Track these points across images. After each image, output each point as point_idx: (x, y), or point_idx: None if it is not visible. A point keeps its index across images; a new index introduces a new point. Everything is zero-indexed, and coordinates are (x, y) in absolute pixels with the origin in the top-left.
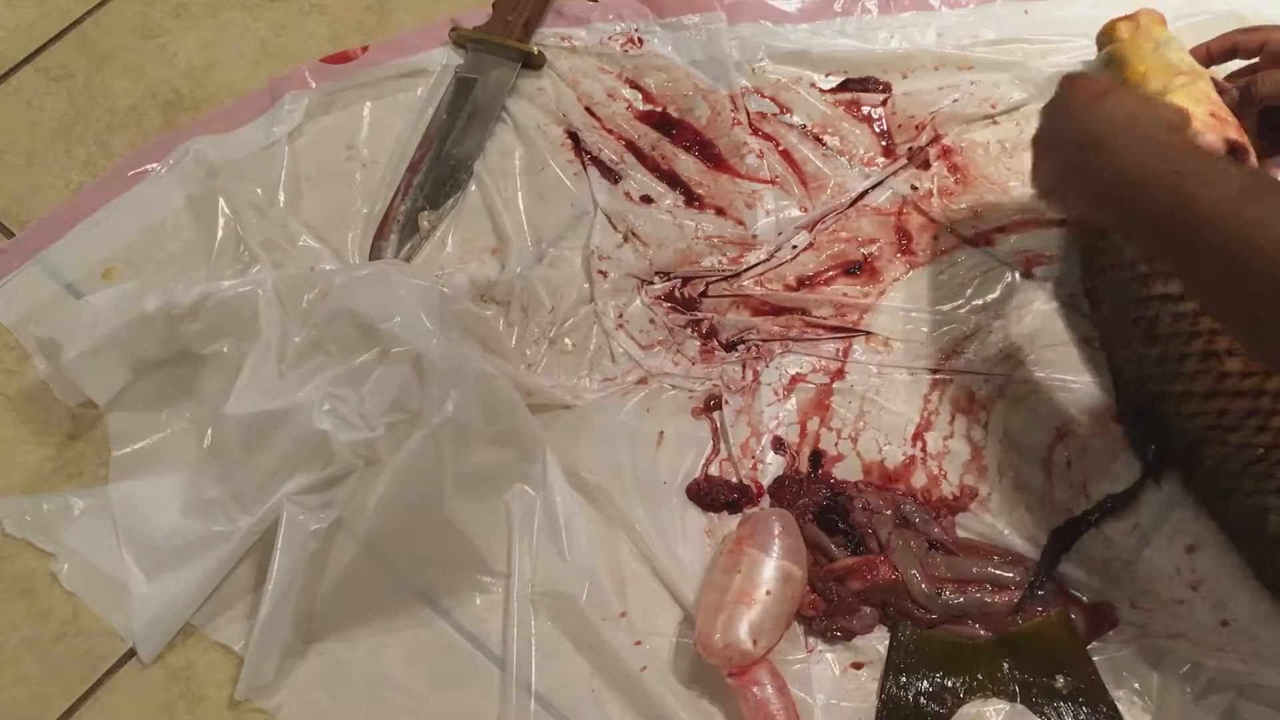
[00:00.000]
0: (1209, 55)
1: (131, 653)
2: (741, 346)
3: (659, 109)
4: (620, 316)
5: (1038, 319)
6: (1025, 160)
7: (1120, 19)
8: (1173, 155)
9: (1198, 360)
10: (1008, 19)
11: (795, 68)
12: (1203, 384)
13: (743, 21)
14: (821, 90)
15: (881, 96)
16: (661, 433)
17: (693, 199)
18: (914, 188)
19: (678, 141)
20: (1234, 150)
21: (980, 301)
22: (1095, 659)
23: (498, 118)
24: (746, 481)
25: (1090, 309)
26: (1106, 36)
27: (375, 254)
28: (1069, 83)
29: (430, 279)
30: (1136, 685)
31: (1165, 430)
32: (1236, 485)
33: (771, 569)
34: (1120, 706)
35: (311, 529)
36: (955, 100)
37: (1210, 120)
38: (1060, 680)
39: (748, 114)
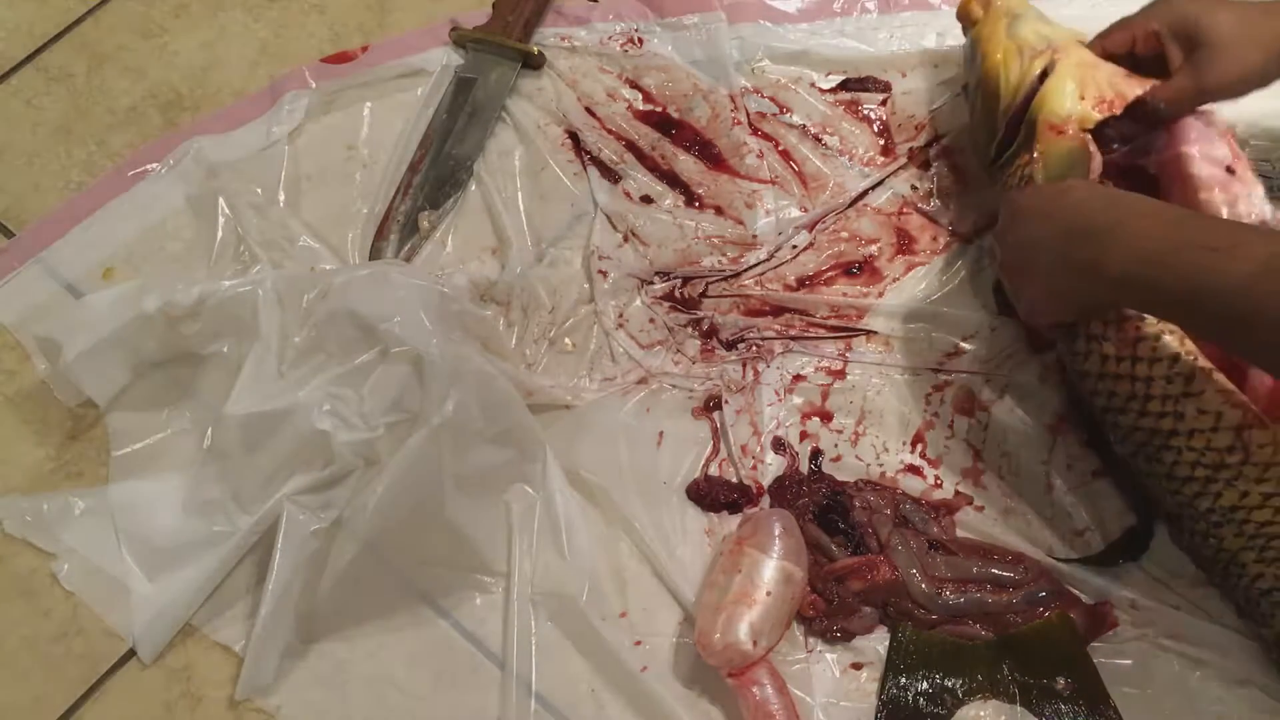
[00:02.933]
0: (1107, 55)
1: (131, 653)
2: (742, 345)
3: (659, 109)
4: (620, 316)
5: None
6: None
7: None
8: (1188, 227)
9: (1085, 341)
10: None
11: (795, 68)
12: (1093, 365)
13: (743, 21)
14: (821, 90)
15: (881, 96)
16: (661, 433)
17: (693, 199)
18: (914, 188)
19: (678, 141)
20: (1141, 100)
21: (980, 301)
22: (1096, 660)
23: (498, 118)
24: (746, 481)
25: None
26: (965, 19)
27: (375, 254)
28: (1013, 200)
29: (430, 279)
30: (1137, 686)
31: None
32: (1134, 465)
33: (772, 569)
34: (1120, 707)
35: (311, 529)
36: (955, 99)
37: (1100, 97)
38: (1060, 682)
39: (748, 114)
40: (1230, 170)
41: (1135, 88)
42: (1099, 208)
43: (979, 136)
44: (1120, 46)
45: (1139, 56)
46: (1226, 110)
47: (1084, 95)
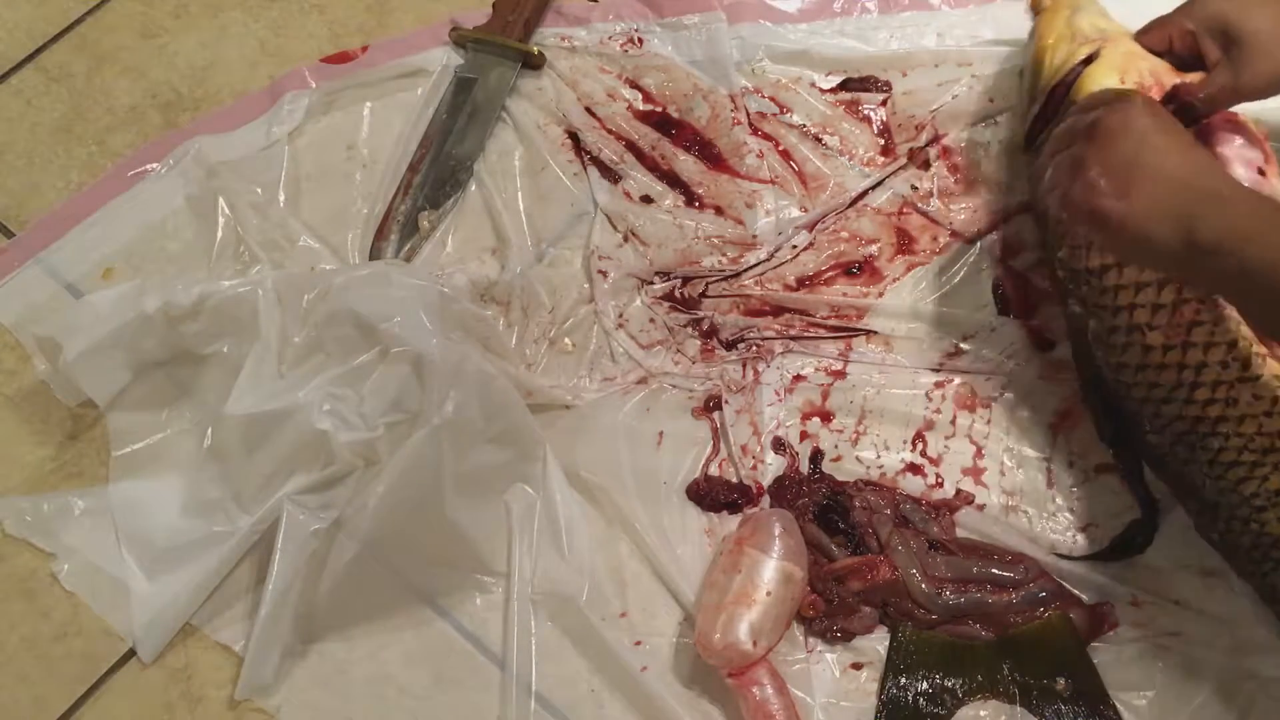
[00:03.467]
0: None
1: (131, 653)
2: (741, 345)
3: (659, 109)
4: (620, 316)
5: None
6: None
7: None
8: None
9: (1124, 334)
10: (1008, 19)
11: (795, 68)
12: (1132, 356)
13: (743, 21)
14: (821, 90)
15: (881, 96)
16: (661, 433)
17: (693, 199)
18: (914, 188)
19: (678, 141)
20: (1178, 94)
21: (980, 301)
22: (1096, 660)
23: (498, 118)
24: (746, 481)
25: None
26: (1034, 7)
27: (375, 254)
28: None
29: (430, 279)
30: (1137, 686)
31: (1116, 404)
32: (1172, 454)
33: (772, 570)
34: (1121, 708)
35: (311, 529)
36: (955, 99)
37: (1141, 84)
38: (1060, 682)
39: (748, 114)
40: (1262, 172)
41: (1175, 81)
42: (1199, 168)
43: (1023, 114)
44: (1158, 44)
45: (1179, 55)
46: (1253, 109)
47: (1124, 80)
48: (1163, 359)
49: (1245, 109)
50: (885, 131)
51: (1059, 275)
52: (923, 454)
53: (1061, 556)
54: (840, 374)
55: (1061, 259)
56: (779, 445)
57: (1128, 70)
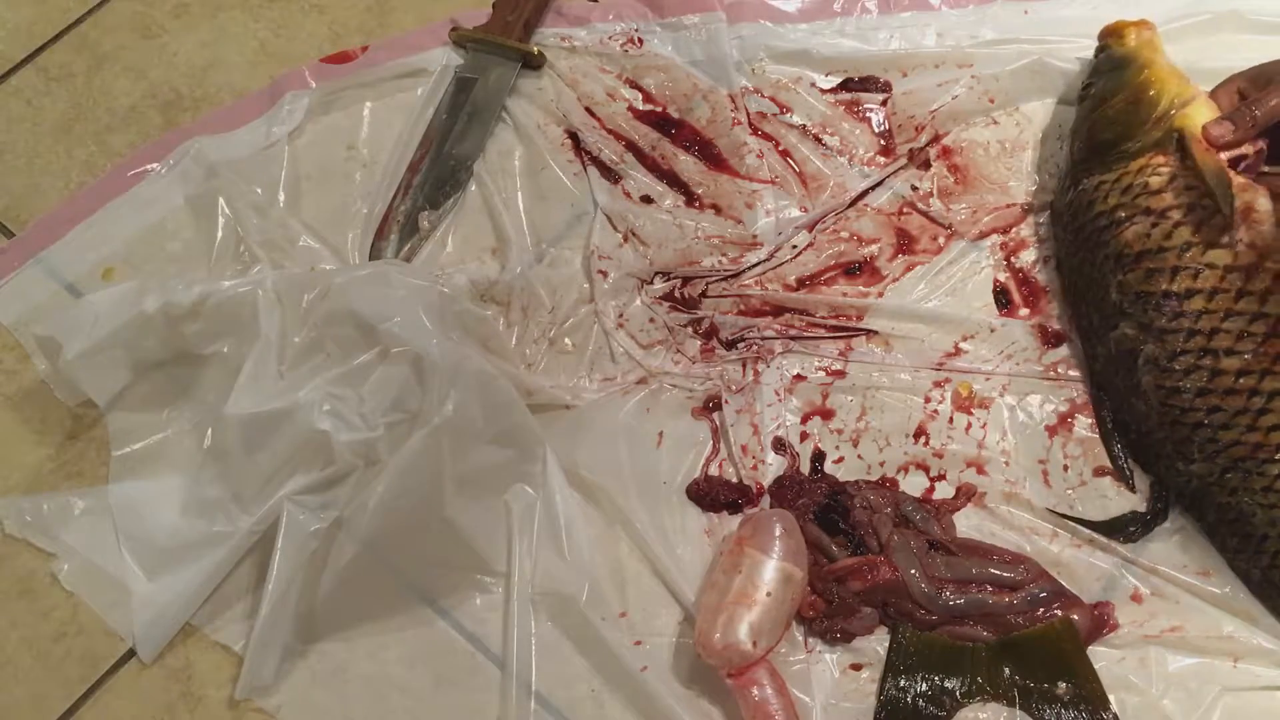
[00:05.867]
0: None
1: (131, 653)
2: (741, 345)
3: (659, 109)
4: (620, 316)
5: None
6: (1026, 160)
7: (1129, 23)
8: None
9: (1195, 356)
10: (1008, 19)
11: (795, 68)
12: (1195, 381)
13: (743, 21)
14: (821, 90)
15: (881, 96)
16: (661, 433)
17: (693, 199)
18: (914, 188)
19: (678, 141)
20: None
21: (980, 301)
22: (1097, 664)
23: (498, 118)
24: (747, 481)
25: (1067, 292)
26: (1115, 38)
27: (375, 254)
28: None
29: (430, 279)
30: (1138, 689)
31: (1141, 427)
32: (1220, 483)
33: (772, 570)
34: (1121, 710)
35: (311, 529)
36: (955, 99)
37: None
38: (1062, 686)
39: (748, 114)
40: None
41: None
42: None
43: (1093, 127)
44: (1224, 102)
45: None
46: None
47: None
48: (1234, 384)
49: None
50: (885, 131)
51: (1112, 299)
52: (922, 454)
53: (1056, 514)
54: (840, 374)
55: (1125, 282)
56: (779, 445)
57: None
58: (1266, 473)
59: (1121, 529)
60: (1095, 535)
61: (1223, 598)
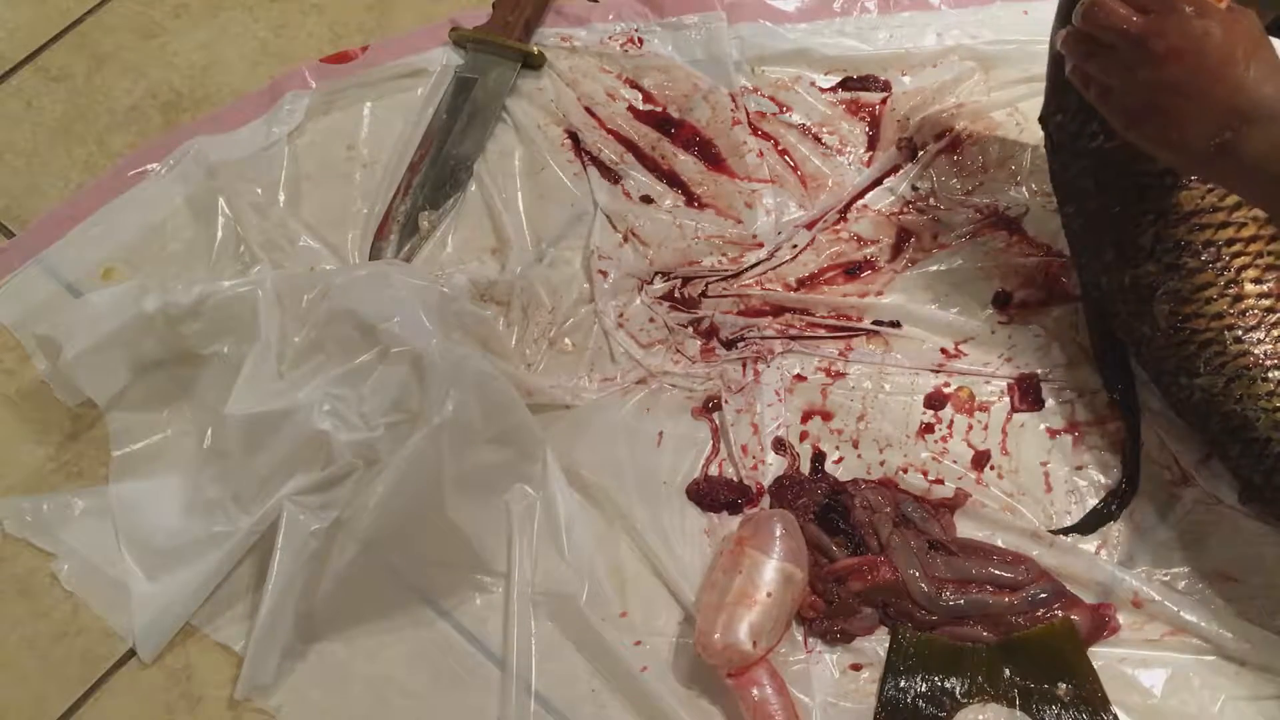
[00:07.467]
0: None
1: (131, 653)
2: (741, 345)
3: (659, 109)
4: (620, 316)
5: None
6: (1026, 158)
7: None
8: None
9: (1220, 289)
10: (1008, 19)
11: (795, 67)
12: (1214, 307)
13: (742, 21)
14: (821, 89)
15: (881, 96)
16: (661, 433)
17: (692, 199)
18: (914, 188)
19: (678, 141)
20: None
21: (980, 302)
22: (1098, 666)
23: (498, 118)
24: (747, 481)
25: (1068, 217)
26: None
27: (375, 254)
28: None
29: (430, 279)
30: (1138, 689)
31: (1140, 343)
32: (1225, 393)
33: (772, 570)
34: (1121, 712)
35: (311, 529)
36: (955, 99)
37: None
38: (1062, 687)
39: (747, 114)
40: None
41: None
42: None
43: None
44: None
45: None
46: None
47: None
48: (1254, 304)
49: None
50: (885, 131)
51: (1141, 243)
52: (922, 453)
53: (1050, 531)
54: (840, 374)
55: (1164, 234)
56: (779, 445)
57: None
58: (1270, 378)
59: (1102, 517)
60: (1095, 536)
61: (1226, 604)
